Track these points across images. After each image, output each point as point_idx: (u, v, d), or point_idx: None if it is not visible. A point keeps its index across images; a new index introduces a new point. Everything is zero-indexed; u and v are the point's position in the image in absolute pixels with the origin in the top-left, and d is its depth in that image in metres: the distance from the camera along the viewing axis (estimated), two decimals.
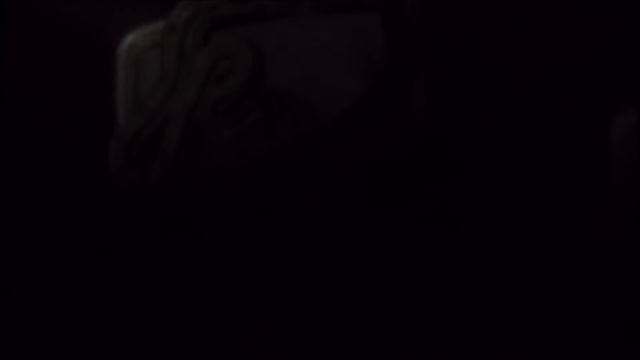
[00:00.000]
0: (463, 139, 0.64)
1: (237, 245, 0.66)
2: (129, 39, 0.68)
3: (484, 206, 0.63)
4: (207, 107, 0.65)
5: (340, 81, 0.66)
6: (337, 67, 0.66)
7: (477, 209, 0.63)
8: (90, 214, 0.68)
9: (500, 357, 0.60)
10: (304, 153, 0.65)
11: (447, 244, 0.62)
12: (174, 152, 0.65)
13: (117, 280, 0.66)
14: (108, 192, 0.67)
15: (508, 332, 0.61)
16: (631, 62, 0.63)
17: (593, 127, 0.62)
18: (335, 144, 0.65)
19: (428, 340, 0.61)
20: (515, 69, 0.65)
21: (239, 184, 0.66)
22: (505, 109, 0.65)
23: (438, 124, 0.65)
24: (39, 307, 0.65)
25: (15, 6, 0.67)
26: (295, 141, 0.65)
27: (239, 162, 0.65)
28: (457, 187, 0.64)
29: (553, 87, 0.64)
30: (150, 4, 0.68)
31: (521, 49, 0.65)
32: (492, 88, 0.65)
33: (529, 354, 0.60)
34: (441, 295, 0.62)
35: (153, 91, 0.66)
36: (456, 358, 0.60)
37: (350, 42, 0.66)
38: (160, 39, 0.66)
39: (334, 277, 0.63)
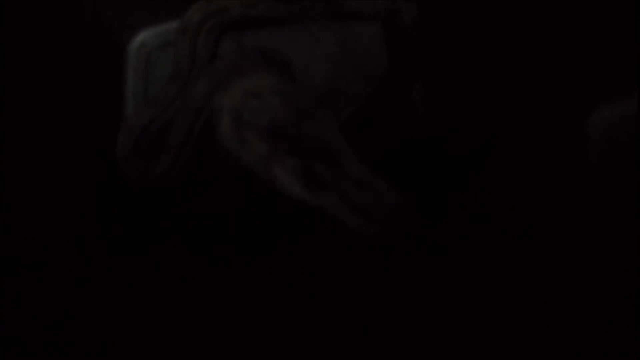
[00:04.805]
0: (459, 141, 0.68)
1: (241, 241, 0.68)
2: (140, 37, 0.70)
3: (480, 204, 0.67)
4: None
5: (342, 87, 0.69)
6: (339, 73, 0.69)
7: (473, 207, 0.67)
8: (95, 207, 0.69)
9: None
10: None
11: (444, 241, 0.66)
12: (180, 145, 0.68)
13: (120, 272, 0.67)
14: (114, 186, 0.69)
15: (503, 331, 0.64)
16: (609, 61, 0.67)
17: (576, 128, 0.67)
18: None
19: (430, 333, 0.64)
20: (508, 74, 0.69)
21: (244, 181, 0.68)
22: (498, 111, 0.69)
23: (435, 127, 0.69)
24: (43, 298, 0.66)
25: (30, 2, 0.69)
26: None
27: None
28: (453, 187, 0.68)
29: (542, 90, 0.68)
30: (161, 5, 0.70)
31: (513, 54, 0.69)
32: (486, 92, 0.69)
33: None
34: (439, 291, 0.65)
35: (164, 88, 0.68)
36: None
37: (352, 49, 0.70)
38: (174, 39, 0.68)
39: (337, 271, 0.66)
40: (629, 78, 0.65)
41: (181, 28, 0.68)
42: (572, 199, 0.67)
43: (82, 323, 0.64)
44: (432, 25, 0.70)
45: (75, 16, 0.69)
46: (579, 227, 0.66)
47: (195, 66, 0.68)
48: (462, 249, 0.66)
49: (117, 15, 0.70)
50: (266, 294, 0.65)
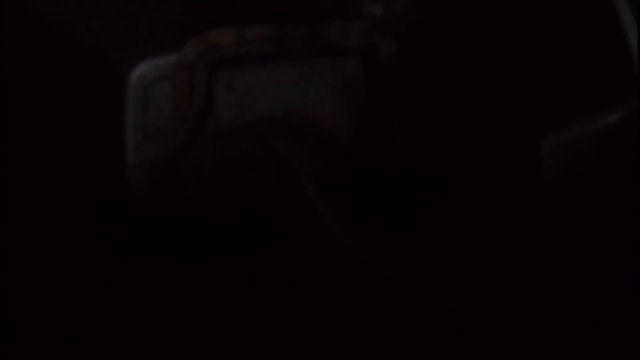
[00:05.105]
0: (436, 167, 0.74)
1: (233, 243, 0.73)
2: (140, 69, 0.76)
3: (455, 229, 0.73)
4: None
5: (329, 116, 0.76)
6: (325, 104, 0.76)
7: (448, 232, 0.73)
8: (97, 235, 0.73)
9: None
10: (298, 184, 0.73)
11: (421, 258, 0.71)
12: (196, 183, 0.74)
13: (119, 274, 0.71)
14: (113, 215, 0.74)
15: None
16: (562, 89, 0.73)
17: (532, 150, 0.72)
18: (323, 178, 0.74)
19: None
20: (479, 105, 0.75)
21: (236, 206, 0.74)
22: (470, 138, 0.75)
23: (414, 155, 0.75)
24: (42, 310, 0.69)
25: (36, 34, 0.74)
26: (291, 176, 0.74)
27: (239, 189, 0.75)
28: (431, 211, 0.73)
29: (505, 116, 0.74)
30: (160, 39, 0.76)
31: (483, 85, 0.75)
32: (460, 120, 0.75)
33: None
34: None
35: (165, 124, 0.75)
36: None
37: (337, 82, 0.76)
38: (172, 73, 0.75)
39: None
40: (580, 105, 0.71)
41: (179, 64, 0.75)
42: (528, 212, 0.72)
43: (82, 323, 0.67)
44: (410, 60, 0.76)
45: (79, 47, 0.74)
46: (534, 237, 0.71)
47: (193, 101, 0.75)
48: (432, 259, 0.70)
49: (119, 48, 0.76)
50: (257, 293, 0.69)
